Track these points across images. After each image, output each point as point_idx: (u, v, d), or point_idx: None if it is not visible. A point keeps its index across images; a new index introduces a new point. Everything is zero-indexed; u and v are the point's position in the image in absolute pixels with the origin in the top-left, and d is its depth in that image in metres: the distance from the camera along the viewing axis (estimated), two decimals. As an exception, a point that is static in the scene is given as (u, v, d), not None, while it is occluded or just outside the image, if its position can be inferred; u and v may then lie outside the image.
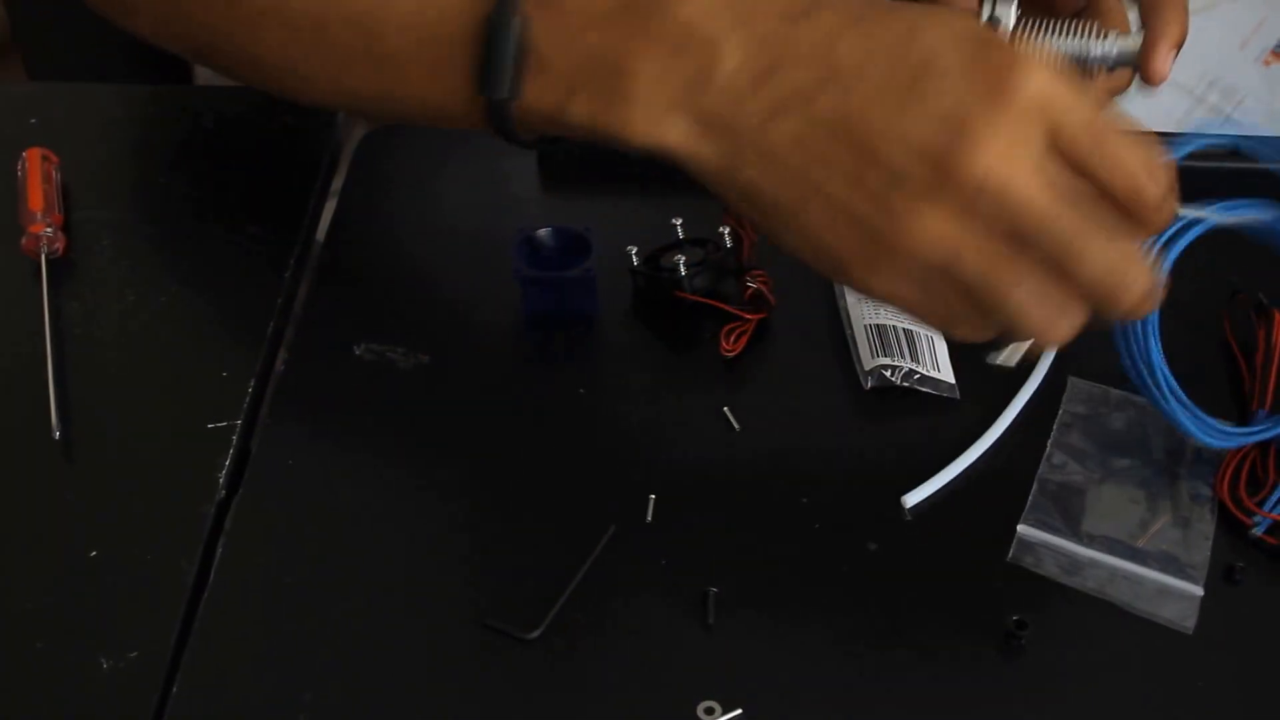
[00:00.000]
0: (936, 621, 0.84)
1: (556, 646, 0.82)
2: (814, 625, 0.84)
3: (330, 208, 1.09)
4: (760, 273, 0.99)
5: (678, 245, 1.00)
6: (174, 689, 0.81)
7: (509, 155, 1.12)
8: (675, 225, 1.00)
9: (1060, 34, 0.90)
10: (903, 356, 0.96)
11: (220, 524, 0.88)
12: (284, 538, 0.88)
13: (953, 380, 0.96)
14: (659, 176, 0.96)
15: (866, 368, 0.96)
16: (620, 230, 1.00)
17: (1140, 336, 0.85)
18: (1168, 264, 0.82)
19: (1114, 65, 0.91)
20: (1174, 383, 0.86)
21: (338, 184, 1.12)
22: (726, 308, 0.98)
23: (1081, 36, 0.90)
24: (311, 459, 0.93)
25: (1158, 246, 0.82)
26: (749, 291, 0.99)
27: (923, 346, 0.97)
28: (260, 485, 0.90)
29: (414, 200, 1.09)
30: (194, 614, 0.84)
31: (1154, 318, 0.84)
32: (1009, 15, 0.90)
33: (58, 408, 0.93)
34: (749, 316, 0.98)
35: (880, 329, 0.97)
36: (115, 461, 0.92)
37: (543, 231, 0.99)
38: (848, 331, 0.99)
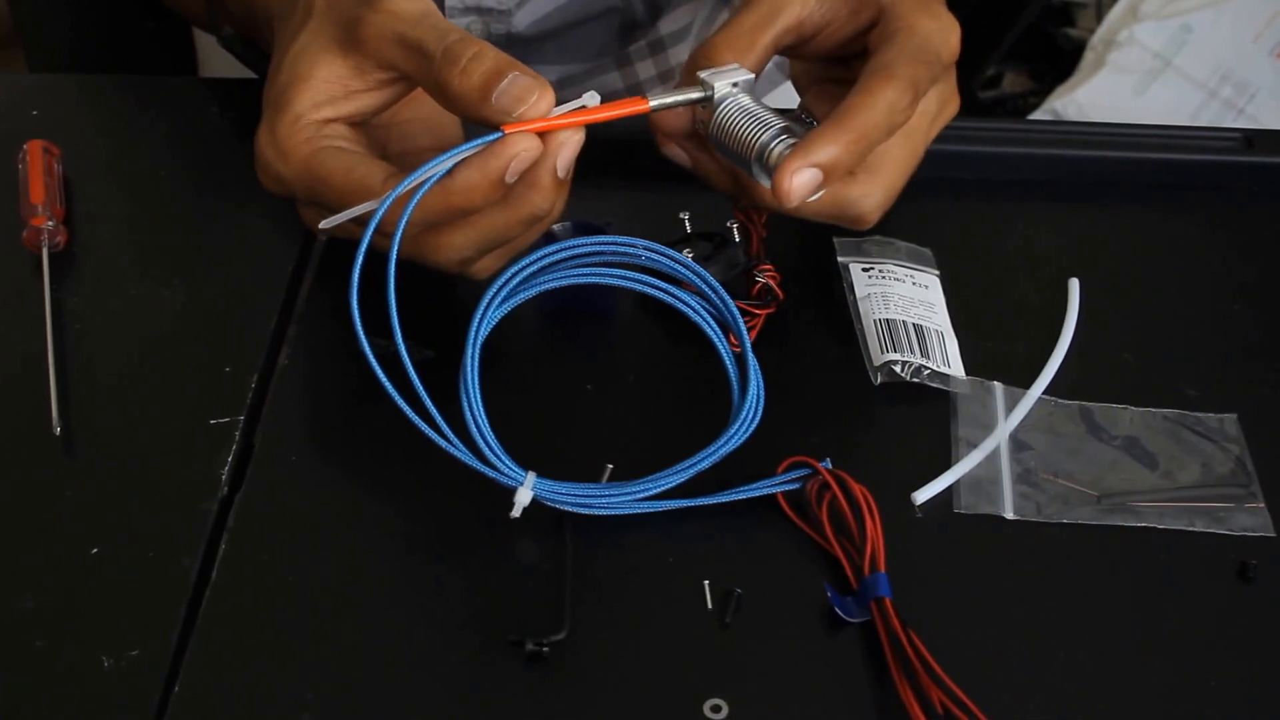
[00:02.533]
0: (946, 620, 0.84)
1: (561, 644, 0.82)
2: (822, 624, 0.83)
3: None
4: (769, 267, 0.98)
5: (686, 239, 1.00)
6: (176, 688, 0.80)
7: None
8: (683, 219, 1.00)
9: (752, 125, 0.90)
10: (912, 352, 0.95)
11: (223, 521, 0.88)
12: (287, 535, 0.88)
13: (963, 376, 0.95)
14: (668, 171, 0.95)
15: (876, 363, 0.95)
16: (628, 224, 0.99)
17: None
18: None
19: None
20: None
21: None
22: (735, 302, 0.97)
23: (768, 135, 0.90)
24: (315, 455, 0.92)
25: None
26: (757, 286, 0.99)
27: (933, 342, 0.96)
28: (263, 482, 0.90)
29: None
30: (196, 612, 0.83)
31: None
32: (724, 88, 0.91)
33: (58, 403, 0.92)
34: (757, 311, 0.97)
35: (890, 324, 0.96)
36: (116, 457, 0.91)
37: (559, 225, 0.98)
38: (857, 326, 0.98)
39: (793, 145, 0.88)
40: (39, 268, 1.00)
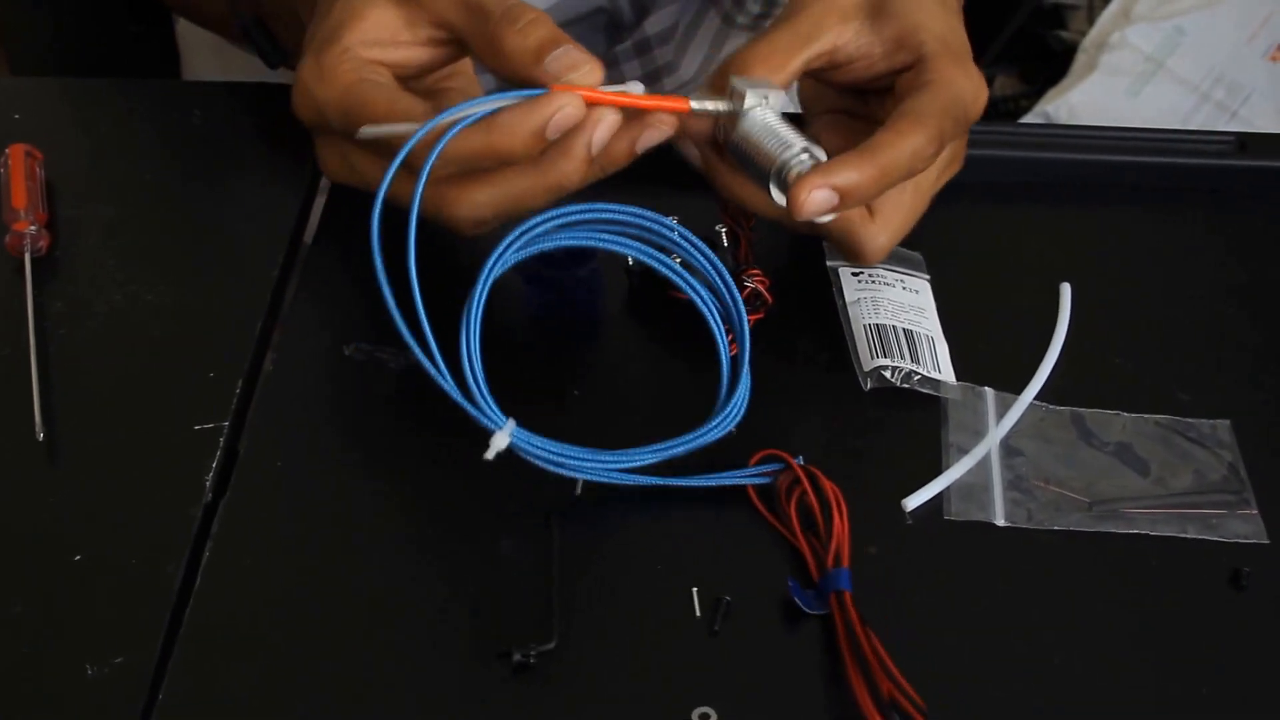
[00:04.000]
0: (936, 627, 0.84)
1: (549, 654, 0.81)
2: (812, 631, 0.83)
3: (320, 204, 1.09)
4: (757, 272, 0.98)
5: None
6: (160, 695, 0.80)
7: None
8: (672, 223, 0.99)
9: (775, 141, 0.90)
10: (902, 357, 0.95)
11: (207, 527, 0.87)
12: (272, 541, 0.87)
13: (954, 381, 0.95)
14: (657, 175, 0.95)
15: (865, 369, 0.95)
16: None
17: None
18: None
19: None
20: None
21: (327, 180, 1.11)
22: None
23: (788, 151, 0.90)
24: (300, 461, 0.92)
25: None
26: (746, 290, 0.98)
27: (923, 347, 0.96)
28: (248, 488, 0.89)
29: (405, 197, 1.09)
30: (180, 619, 0.83)
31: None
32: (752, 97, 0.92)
33: (41, 409, 0.92)
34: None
35: (880, 329, 0.96)
36: (100, 463, 0.91)
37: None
38: (846, 331, 0.98)
39: (814, 164, 0.89)
40: (21, 272, 1.00)
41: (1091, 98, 2.31)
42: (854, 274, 1.00)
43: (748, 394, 0.90)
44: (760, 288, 0.98)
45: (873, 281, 1.00)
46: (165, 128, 1.13)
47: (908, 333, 0.97)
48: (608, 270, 0.99)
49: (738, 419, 0.90)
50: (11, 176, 1.04)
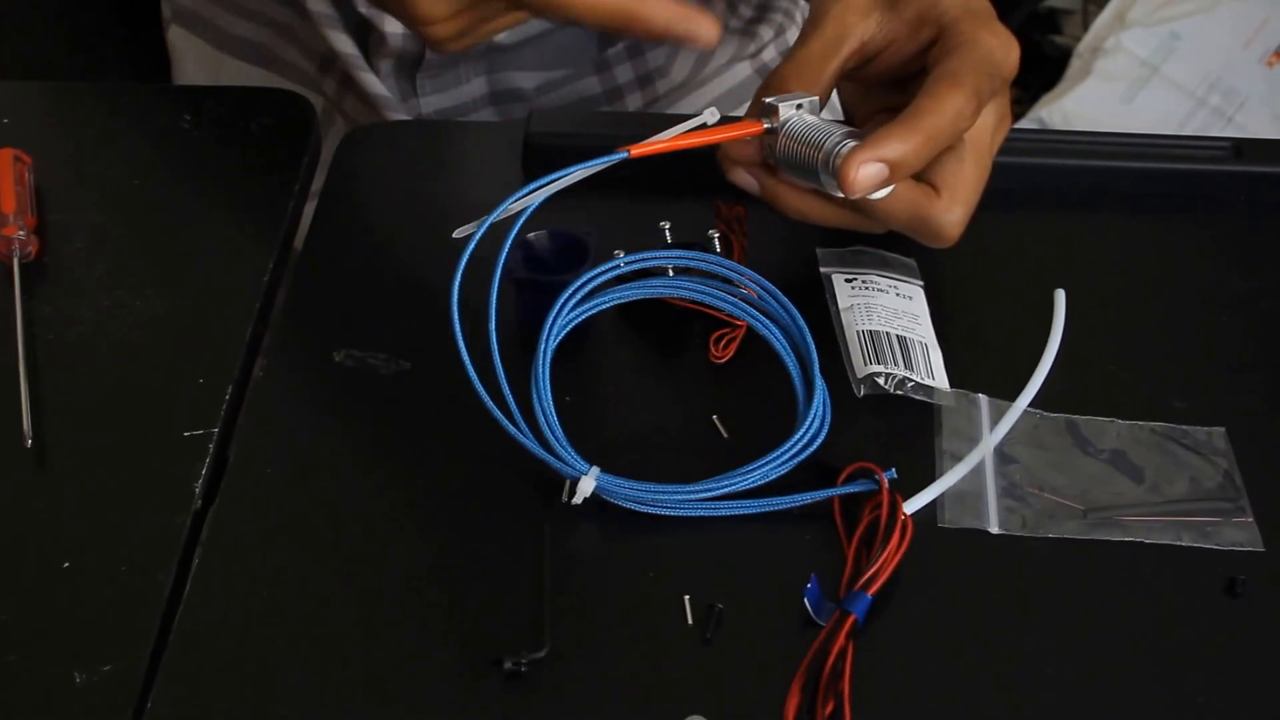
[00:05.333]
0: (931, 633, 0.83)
1: (540, 662, 0.81)
2: (805, 640, 0.82)
3: (310, 209, 1.09)
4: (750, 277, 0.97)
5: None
6: (149, 704, 0.79)
7: (493, 157, 1.12)
8: (663, 229, 0.99)
9: (816, 136, 0.93)
10: (896, 364, 0.94)
11: (196, 534, 0.87)
12: (262, 548, 0.87)
13: (947, 388, 0.94)
14: (648, 180, 0.95)
15: (859, 375, 0.94)
16: (607, 234, 0.98)
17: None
18: None
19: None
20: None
21: (318, 185, 1.11)
22: (715, 313, 0.97)
23: (826, 145, 0.92)
24: (290, 468, 0.91)
25: None
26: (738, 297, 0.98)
27: (917, 354, 0.95)
28: (238, 495, 0.89)
29: (396, 202, 1.09)
30: (169, 627, 0.83)
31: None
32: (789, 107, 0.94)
33: (30, 415, 0.92)
34: (738, 322, 0.96)
35: (873, 335, 0.96)
36: (89, 470, 0.90)
37: (535, 235, 0.97)
38: (839, 338, 0.97)
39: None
40: (10, 278, 1.00)
41: (1086, 103, 2.31)
42: (847, 280, 1.00)
43: (827, 414, 0.91)
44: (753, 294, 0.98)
45: (866, 288, 1.00)
46: (155, 133, 1.13)
47: (901, 339, 0.96)
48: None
49: (819, 441, 0.91)
50: (0, 181, 1.04)
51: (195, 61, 1.38)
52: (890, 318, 0.98)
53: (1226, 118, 1.84)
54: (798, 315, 0.93)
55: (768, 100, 0.94)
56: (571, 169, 0.89)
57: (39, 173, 1.07)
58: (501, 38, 1.27)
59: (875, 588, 0.83)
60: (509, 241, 0.88)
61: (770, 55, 1.40)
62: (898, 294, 1.00)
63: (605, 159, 0.89)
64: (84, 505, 0.88)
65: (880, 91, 1.02)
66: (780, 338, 0.93)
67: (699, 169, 0.99)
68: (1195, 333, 1.02)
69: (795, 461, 0.89)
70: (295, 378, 0.96)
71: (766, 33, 1.39)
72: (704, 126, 0.93)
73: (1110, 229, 1.10)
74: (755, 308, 0.94)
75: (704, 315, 0.97)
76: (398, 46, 1.26)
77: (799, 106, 0.94)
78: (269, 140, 1.10)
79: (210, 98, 1.15)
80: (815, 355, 0.92)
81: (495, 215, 0.88)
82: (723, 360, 0.96)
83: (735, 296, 0.95)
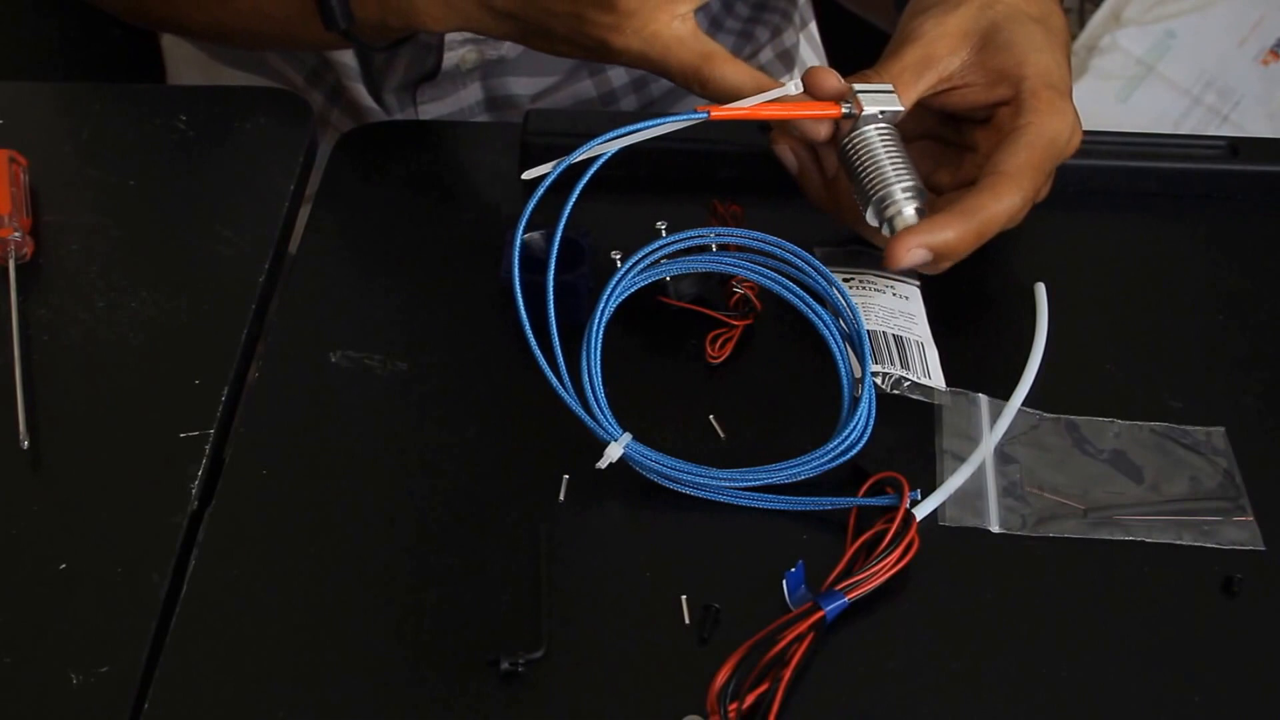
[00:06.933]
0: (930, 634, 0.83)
1: (538, 662, 0.81)
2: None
3: (306, 211, 1.09)
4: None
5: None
6: (145, 705, 0.79)
7: (489, 158, 1.12)
8: (660, 228, 0.99)
9: (885, 166, 0.95)
10: (892, 363, 0.94)
11: (193, 535, 0.87)
12: (258, 550, 0.87)
13: (944, 387, 0.94)
14: (644, 179, 0.94)
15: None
16: (604, 234, 0.98)
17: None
18: None
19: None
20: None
21: (313, 187, 1.11)
22: (712, 313, 0.97)
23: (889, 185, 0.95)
24: (286, 469, 0.91)
25: None
26: (735, 297, 0.98)
27: (913, 353, 0.95)
28: (234, 496, 0.89)
29: (391, 203, 1.09)
30: (166, 628, 0.82)
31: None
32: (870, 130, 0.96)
33: (26, 417, 0.92)
34: (735, 322, 0.97)
35: (869, 335, 0.95)
36: (85, 471, 0.90)
37: (531, 235, 0.97)
38: (837, 337, 0.97)
39: (915, 211, 0.94)
40: (5, 279, 0.99)
41: (1081, 102, 2.29)
42: (844, 280, 1.00)
43: (871, 419, 0.91)
44: (749, 294, 0.97)
45: (863, 287, 1.00)
46: (150, 134, 1.13)
47: (898, 339, 0.96)
48: (595, 275, 0.98)
49: (861, 444, 0.90)
50: (-5, 182, 1.04)
51: (189, 62, 1.38)
52: (887, 317, 0.97)
53: (1222, 116, 1.84)
54: (853, 302, 0.93)
55: (856, 86, 0.95)
56: (650, 122, 0.92)
57: (35, 174, 1.07)
58: (503, 51, 1.27)
59: (857, 593, 0.83)
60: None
61: (766, 57, 1.40)
62: (894, 294, 1.00)
63: (685, 116, 0.92)
64: (80, 506, 0.88)
65: (932, 115, 1.03)
66: (832, 326, 0.93)
67: (695, 168, 0.99)
68: (1194, 332, 1.02)
69: (833, 465, 0.89)
70: (291, 379, 0.96)
71: (763, 34, 1.39)
72: (786, 98, 0.94)
73: (1107, 228, 1.10)
74: (805, 289, 0.94)
75: (702, 316, 0.97)
76: (409, 69, 1.27)
77: (882, 113, 0.95)
78: (265, 141, 1.10)
79: (206, 98, 1.15)
80: (868, 345, 0.92)
81: (572, 158, 0.91)
82: (719, 360, 0.96)
83: (784, 276, 0.94)
